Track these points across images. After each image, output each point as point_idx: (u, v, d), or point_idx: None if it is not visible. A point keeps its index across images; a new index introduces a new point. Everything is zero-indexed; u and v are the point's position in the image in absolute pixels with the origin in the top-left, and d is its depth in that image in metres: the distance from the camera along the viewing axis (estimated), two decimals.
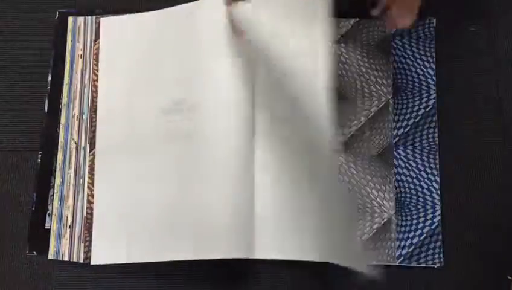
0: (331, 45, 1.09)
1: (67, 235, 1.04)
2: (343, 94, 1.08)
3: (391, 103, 1.08)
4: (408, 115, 1.08)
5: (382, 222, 1.03)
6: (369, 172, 1.05)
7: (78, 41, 1.13)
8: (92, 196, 1.05)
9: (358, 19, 1.11)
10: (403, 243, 1.02)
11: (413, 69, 1.10)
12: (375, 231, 1.02)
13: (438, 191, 1.04)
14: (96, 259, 1.02)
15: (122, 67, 1.11)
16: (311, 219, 0.97)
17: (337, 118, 1.06)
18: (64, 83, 1.11)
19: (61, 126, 1.09)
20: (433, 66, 1.10)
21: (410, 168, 1.05)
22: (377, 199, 1.04)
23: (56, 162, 1.08)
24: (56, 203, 1.06)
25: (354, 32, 1.11)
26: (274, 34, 0.90)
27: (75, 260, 1.03)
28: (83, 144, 1.08)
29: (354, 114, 1.08)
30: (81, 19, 1.14)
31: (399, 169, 1.05)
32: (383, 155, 1.05)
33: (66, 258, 1.03)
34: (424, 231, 1.02)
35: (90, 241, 1.03)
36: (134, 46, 1.12)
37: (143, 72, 1.10)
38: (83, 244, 1.03)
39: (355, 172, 1.05)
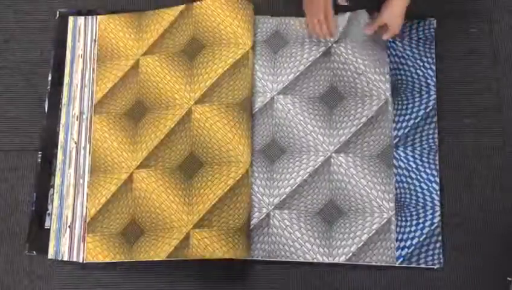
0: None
1: (67, 235, 1.04)
2: (343, 94, 1.09)
3: (390, 101, 1.08)
4: (408, 116, 1.08)
5: (382, 222, 1.03)
6: (369, 172, 1.05)
7: (79, 41, 1.13)
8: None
9: (352, 12, 1.10)
10: (402, 244, 1.02)
11: (413, 70, 1.10)
12: (374, 231, 1.02)
13: (438, 192, 1.04)
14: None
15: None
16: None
17: (337, 118, 1.07)
18: (65, 83, 1.11)
19: (61, 126, 1.09)
20: (433, 67, 1.10)
21: (410, 169, 1.05)
22: (377, 199, 1.04)
23: (56, 162, 1.08)
24: (56, 202, 1.06)
25: (351, 26, 1.11)
26: None
27: (74, 259, 1.03)
28: (82, 144, 1.08)
29: (354, 114, 1.08)
30: (81, 19, 1.15)
31: (399, 170, 1.05)
32: (383, 155, 1.05)
33: (65, 258, 1.03)
34: (424, 231, 1.02)
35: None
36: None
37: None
38: (82, 244, 1.03)
39: (355, 172, 1.05)
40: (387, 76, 1.09)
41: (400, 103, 1.08)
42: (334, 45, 1.10)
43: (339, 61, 1.10)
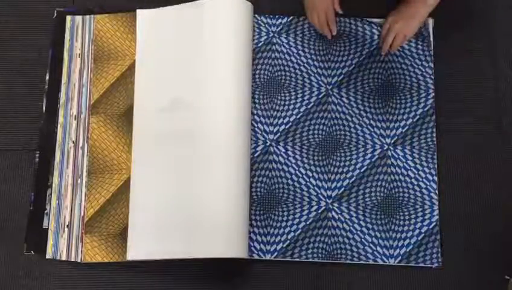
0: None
1: (65, 235, 1.04)
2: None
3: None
4: (406, 115, 1.08)
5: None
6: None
7: (77, 41, 1.13)
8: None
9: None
10: (401, 243, 1.02)
11: (412, 69, 1.09)
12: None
13: (436, 191, 1.04)
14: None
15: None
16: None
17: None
18: (62, 82, 1.11)
19: (59, 125, 1.09)
20: (432, 66, 1.10)
21: (408, 167, 1.05)
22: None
23: (54, 162, 1.07)
24: (54, 202, 1.05)
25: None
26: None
27: (72, 259, 1.02)
28: (80, 144, 1.08)
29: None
30: (79, 18, 1.14)
31: (397, 169, 1.05)
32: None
33: (63, 258, 1.03)
34: (422, 230, 1.02)
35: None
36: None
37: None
38: (80, 244, 1.03)
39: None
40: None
41: (398, 101, 1.08)
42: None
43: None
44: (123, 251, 1.02)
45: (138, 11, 1.13)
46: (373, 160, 1.06)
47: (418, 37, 1.10)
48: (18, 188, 1.07)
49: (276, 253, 1.02)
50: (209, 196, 1.00)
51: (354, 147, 1.07)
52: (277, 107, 1.08)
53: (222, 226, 0.99)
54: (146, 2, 1.14)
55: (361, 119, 1.08)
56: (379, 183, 1.05)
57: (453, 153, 1.06)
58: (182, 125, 1.05)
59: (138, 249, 1.01)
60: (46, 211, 1.05)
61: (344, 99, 1.09)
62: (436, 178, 1.05)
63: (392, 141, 1.06)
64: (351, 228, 1.03)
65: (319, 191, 1.05)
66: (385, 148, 1.06)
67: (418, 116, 1.08)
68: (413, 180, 1.05)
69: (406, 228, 1.03)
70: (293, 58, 1.10)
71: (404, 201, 1.04)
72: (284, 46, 1.11)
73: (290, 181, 1.05)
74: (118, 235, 1.03)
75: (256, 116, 1.08)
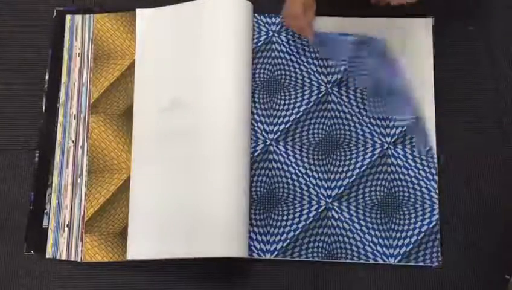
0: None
1: (65, 234, 1.04)
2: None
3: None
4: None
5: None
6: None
7: (76, 40, 1.13)
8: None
9: None
10: (401, 242, 1.02)
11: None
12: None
13: (436, 190, 1.04)
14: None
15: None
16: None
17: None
18: (62, 82, 1.11)
19: (58, 125, 1.09)
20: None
21: (408, 167, 1.05)
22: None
23: (54, 161, 1.07)
24: (54, 202, 1.05)
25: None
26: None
27: (72, 259, 1.02)
28: (80, 143, 1.08)
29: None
30: (78, 17, 1.14)
31: (397, 168, 1.05)
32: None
33: (63, 257, 1.03)
34: (422, 230, 1.02)
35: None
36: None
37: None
38: (80, 243, 1.03)
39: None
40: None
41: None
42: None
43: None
44: (123, 251, 1.02)
45: (138, 10, 1.13)
46: (373, 159, 1.06)
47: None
48: (18, 188, 1.07)
49: (276, 252, 1.02)
50: (209, 196, 1.00)
51: (354, 146, 1.06)
52: (277, 107, 1.08)
53: (222, 225, 0.99)
54: (146, 1, 1.14)
55: (361, 118, 1.08)
56: (379, 183, 1.05)
57: (453, 153, 1.06)
58: (181, 124, 1.05)
59: (138, 248, 1.01)
60: (46, 211, 1.05)
61: (344, 98, 1.08)
62: (436, 177, 1.05)
63: (392, 140, 1.06)
64: (351, 227, 1.03)
65: (319, 191, 1.04)
66: (385, 147, 1.06)
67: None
68: (413, 179, 1.05)
69: (406, 227, 1.03)
70: (292, 58, 1.10)
71: (404, 200, 1.04)
72: (283, 46, 1.11)
73: (290, 180, 1.05)
74: (118, 234, 1.03)
75: (256, 116, 1.08)
